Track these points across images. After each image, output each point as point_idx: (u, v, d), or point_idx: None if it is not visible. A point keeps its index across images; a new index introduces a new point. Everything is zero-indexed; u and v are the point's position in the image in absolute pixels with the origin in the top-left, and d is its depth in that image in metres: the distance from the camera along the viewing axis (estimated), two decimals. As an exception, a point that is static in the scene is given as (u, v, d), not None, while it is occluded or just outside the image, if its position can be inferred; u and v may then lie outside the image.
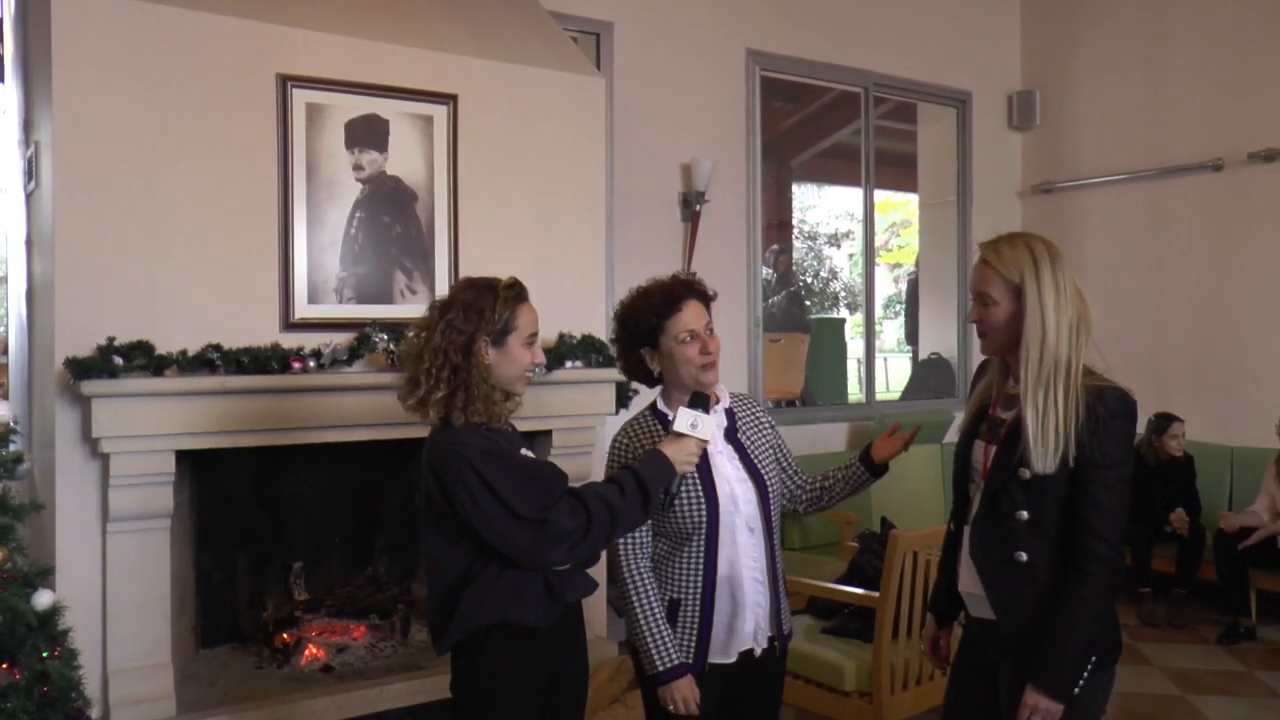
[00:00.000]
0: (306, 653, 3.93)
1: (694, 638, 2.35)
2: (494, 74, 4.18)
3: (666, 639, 2.31)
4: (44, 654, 2.54)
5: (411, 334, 2.28)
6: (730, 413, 2.50)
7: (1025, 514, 2.08)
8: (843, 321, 10.93)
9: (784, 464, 2.59)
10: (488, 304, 2.20)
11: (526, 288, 2.30)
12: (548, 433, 4.18)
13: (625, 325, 2.46)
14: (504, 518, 2.09)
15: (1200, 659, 4.87)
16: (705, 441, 2.27)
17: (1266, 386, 5.91)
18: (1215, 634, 5.15)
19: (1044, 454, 2.03)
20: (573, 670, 2.37)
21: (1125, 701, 4.34)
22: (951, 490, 2.38)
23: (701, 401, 2.31)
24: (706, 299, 2.46)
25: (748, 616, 2.37)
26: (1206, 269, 6.24)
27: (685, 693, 2.30)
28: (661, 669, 2.30)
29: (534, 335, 2.27)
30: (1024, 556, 2.09)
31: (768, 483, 2.43)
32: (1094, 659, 2.05)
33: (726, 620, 2.36)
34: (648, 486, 2.18)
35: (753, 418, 2.53)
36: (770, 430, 2.56)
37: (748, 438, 2.48)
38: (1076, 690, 2.03)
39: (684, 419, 2.25)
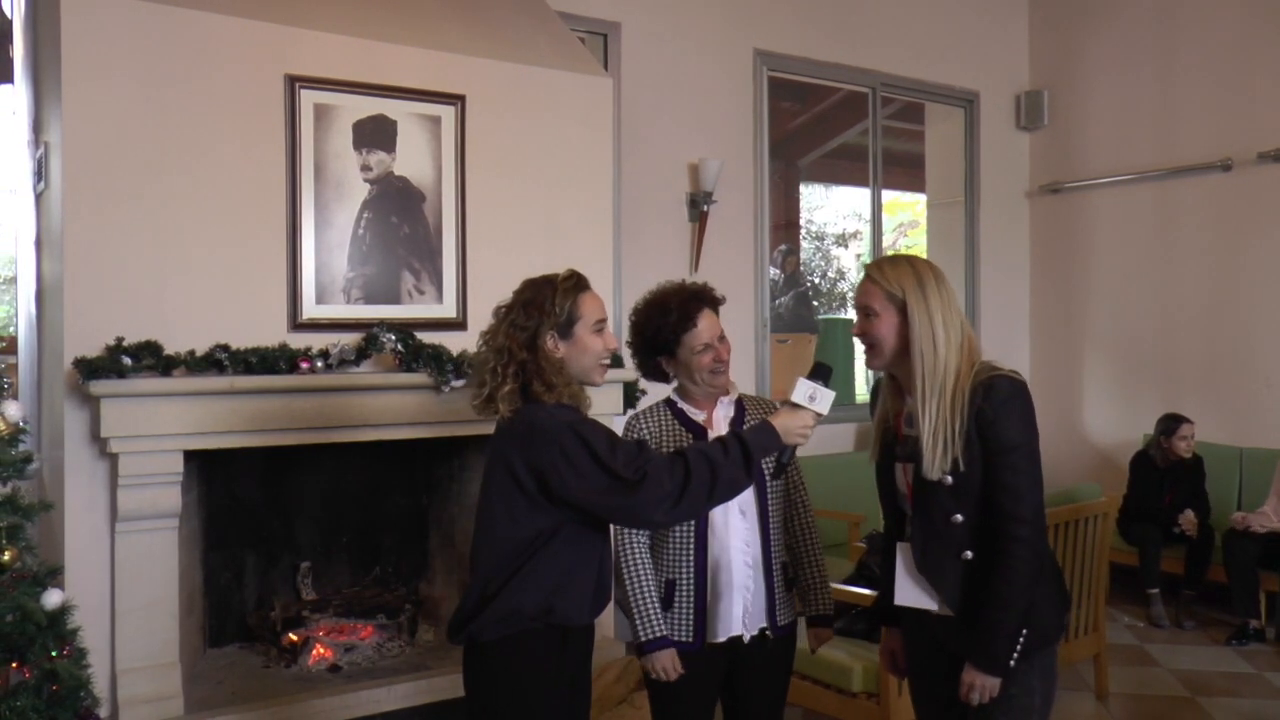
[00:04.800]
0: (314, 652, 3.94)
1: (691, 615, 2.48)
2: (502, 74, 4.19)
3: (653, 612, 2.44)
4: (53, 653, 2.55)
5: (478, 344, 2.28)
6: (739, 404, 2.61)
7: (960, 517, 2.18)
8: (850, 322, 10.90)
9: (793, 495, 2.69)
10: (546, 297, 2.19)
11: (587, 278, 2.28)
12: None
13: (643, 335, 2.57)
14: (601, 475, 2.07)
15: (1209, 660, 4.84)
16: (821, 415, 2.24)
17: (1277, 387, 5.88)
18: (1224, 635, 5.13)
19: (933, 460, 2.13)
20: (587, 670, 2.38)
21: (1134, 703, 4.33)
22: (883, 512, 2.47)
23: (823, 374, 2.27)
24: (717, 306, 2.58)
25: (735, 599, 2.48)
26: (1216, 269, 6.21)
27: (666, 663, 2.43)
28: (645, 639, 2.44)
29: (602, 321, 2.26)
30: (970, 554, 2.18)
31: (764, 471, 2.47)
32: (1025, 632, 2.14)
33: (714, 599, 2.47)
34: (750, 450, 2.15)
35: (762, 416, 2.56)
36: None
37: None
38: (1011, 663, 2.14)
39: (802, 390, 2.22)
